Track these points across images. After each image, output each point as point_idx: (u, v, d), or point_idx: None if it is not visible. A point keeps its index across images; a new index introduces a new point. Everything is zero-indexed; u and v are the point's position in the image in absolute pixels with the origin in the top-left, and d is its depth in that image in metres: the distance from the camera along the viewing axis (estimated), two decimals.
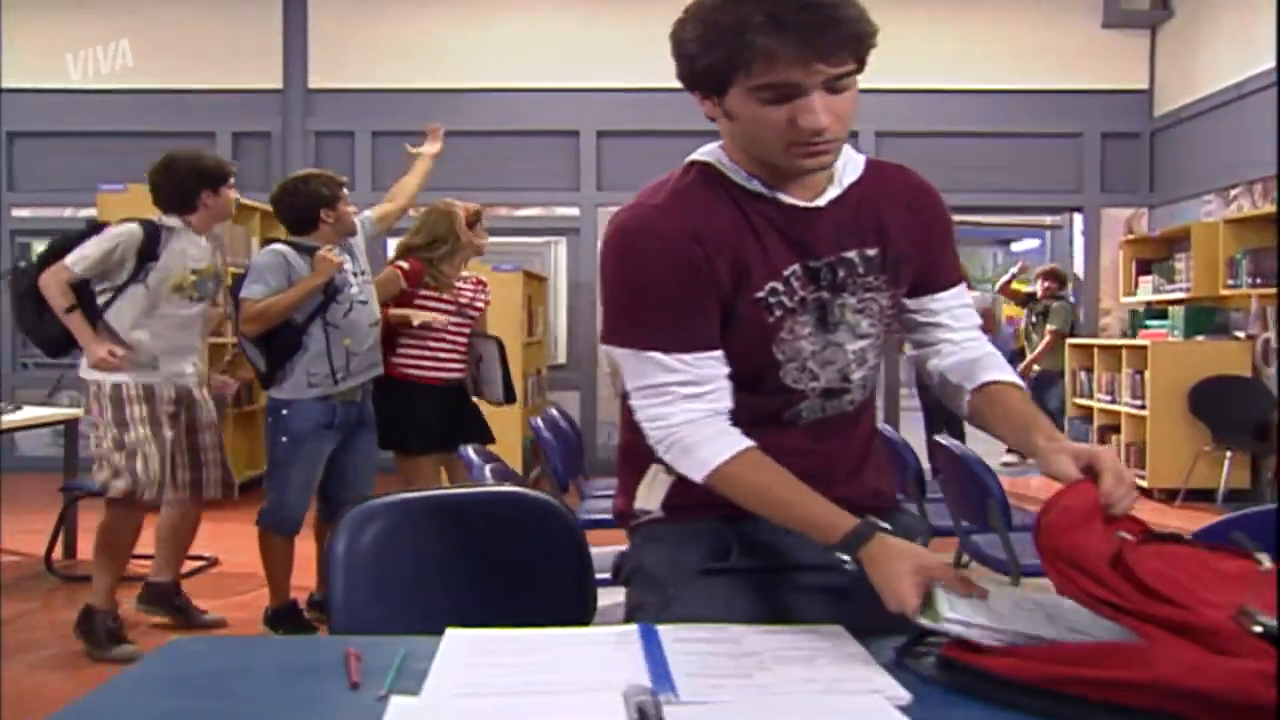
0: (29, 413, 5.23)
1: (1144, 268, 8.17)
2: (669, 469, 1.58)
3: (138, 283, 4.01)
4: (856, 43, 1.37)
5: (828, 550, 1.40)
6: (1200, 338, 7.25)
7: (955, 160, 8.68)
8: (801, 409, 1.58)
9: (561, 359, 8.98)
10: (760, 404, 1.55)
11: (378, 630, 1.58)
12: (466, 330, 4.58)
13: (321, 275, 4.00)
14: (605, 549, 1.98)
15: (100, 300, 4.03)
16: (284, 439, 4.06)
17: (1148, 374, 7.14)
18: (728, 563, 1.55)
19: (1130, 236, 8.51)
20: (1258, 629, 1.08)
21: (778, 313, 1.52)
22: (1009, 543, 3.21)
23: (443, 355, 4.50)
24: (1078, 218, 9.02)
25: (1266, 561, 1.30)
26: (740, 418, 1.53)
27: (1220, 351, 7.07)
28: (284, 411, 4.05)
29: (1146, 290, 8.08)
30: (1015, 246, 19.18)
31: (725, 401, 1.51)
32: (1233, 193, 7.47)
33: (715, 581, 1.53)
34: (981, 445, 3.99)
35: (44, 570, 5.01)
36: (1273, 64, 6.61)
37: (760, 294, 1.50)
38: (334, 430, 4.10)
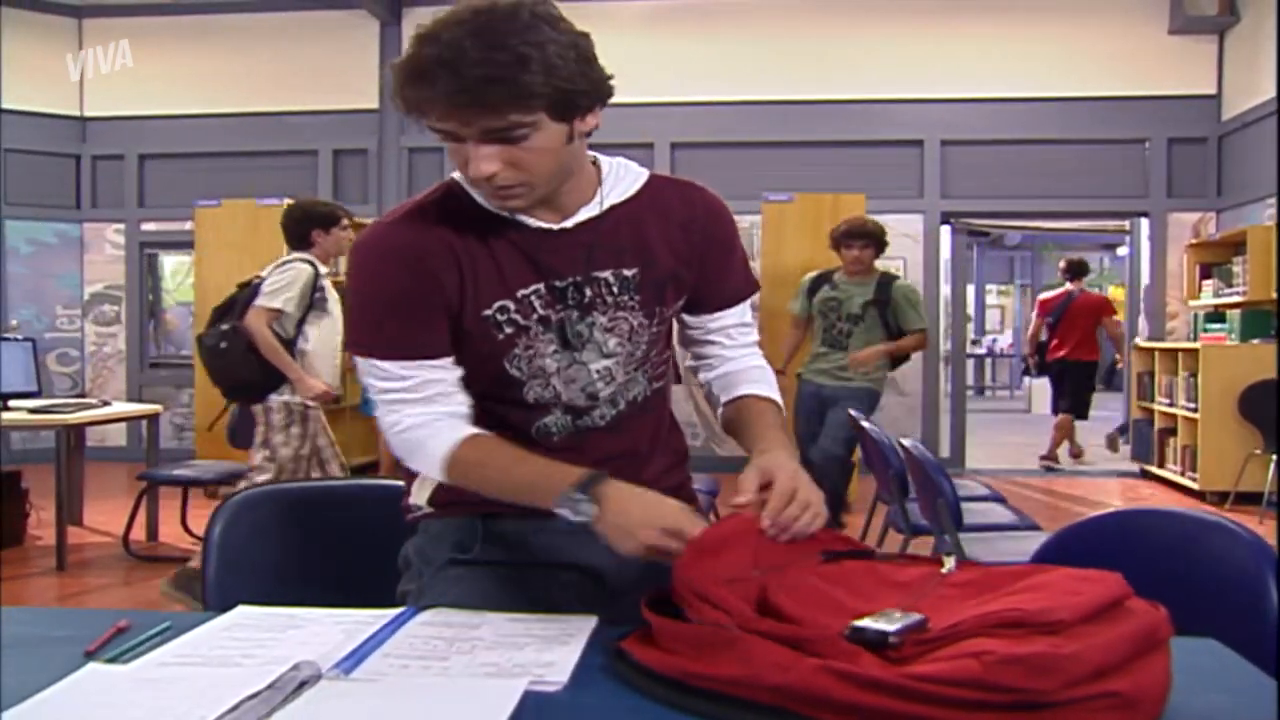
0: (117, 407, 5.51)
1: (1206, 271, 7.80)
2: None
3: (321, 312, 4.36)
4: (513, 99, 1.30)
5: (561, 500, 1.35)
6: (1256, 341, 6.89)
7: (1023, 167, 8.48)
8: (549, 424, 1.54)
9: None
10: (507, 417, 1.54)
11: None
12: None
13: None
14: None
15: (283, 335, 4.30)
16: None
17: (1200, 377, 6.83)
18: (470, 555, 1.55)
19: (1195, 240, 8.14)
20: (848, 633, 1.06)
21: (508, 330, 1.48)
22: (958, 542, 3.13)
23: None
24: (1144, 222, 8.66)
25: (949, 564, 1.27)
26: (492, 431, 1.53)
27: (1273, 355, 6.70)
28: None
29: (1209, 294, 7.71)
30: (1120, 251, 18.52)
31: (455, 405, 1.48)
32: None
33: (461, 572, 1.54)
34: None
35: (123, 551, 5.27)
36: None
37: (487, 312, 1.47)
38: None
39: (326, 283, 4.44)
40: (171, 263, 9.51)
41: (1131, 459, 8.36)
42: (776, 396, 1.63)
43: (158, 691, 1.13)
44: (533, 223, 1.48)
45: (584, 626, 1.37)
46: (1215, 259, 7.72)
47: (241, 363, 4.26)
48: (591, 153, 1.55)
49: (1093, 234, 18.73)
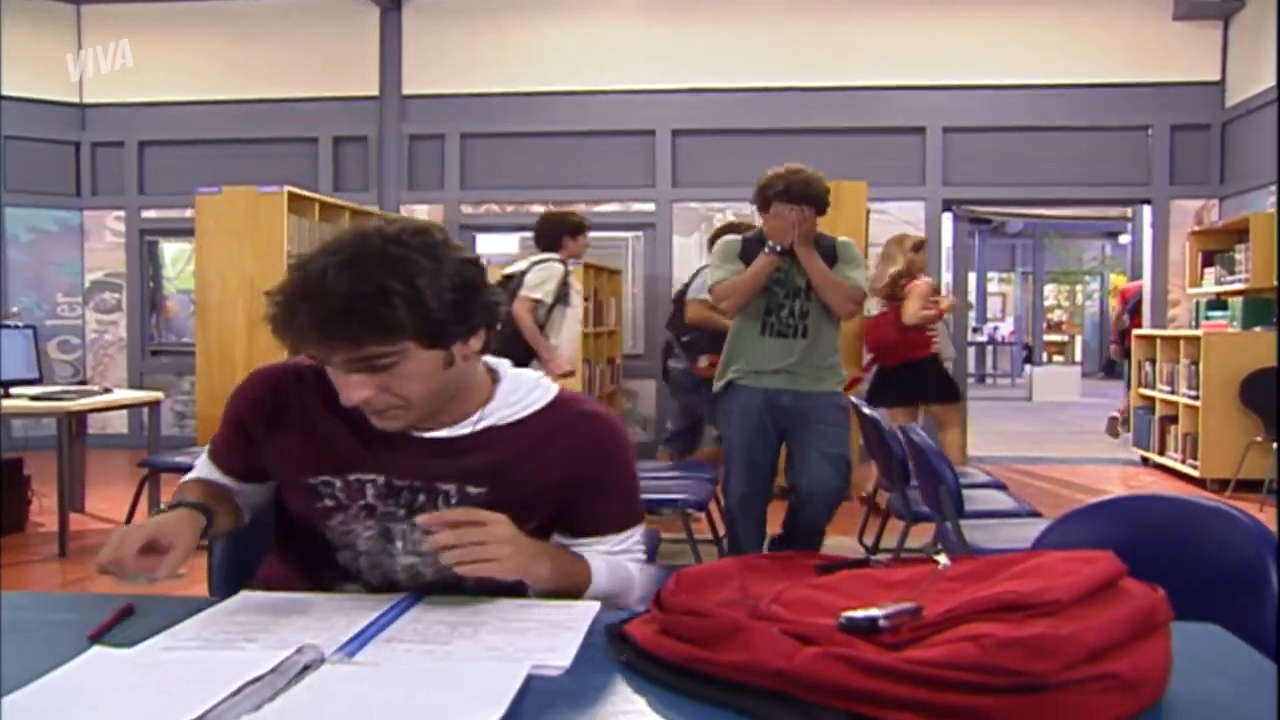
0: (118, 394, 5.51)
1: (1208, 259, 7.79)
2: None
3: (565, 304, 5.03)
4: (372, 331, 1.34)
5: None
6: (1258, 329, 6.88)
7: (1025, 154, 8.45)
8: (350, 590, 1.57)
9: (639, 349, 9.00)
10: (329, 567, 1.58)
11: None
12: None
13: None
14: None
15: (539, 322, 4.92)
16: None
17: (1201, 365, 6.83)
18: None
19: (1197, 228, 8.13)
20: (841, 622, 1.07)
21: (328, 503, 1.54)
22: (959, 528, 3.13)
23: None
24: (1146, 210, 8.65)
25: (943, 560, 1.27)
26: (313, 578, 1.59)
27: (1274, 343, 6.68)
28: None
29: (1210, 281, 7.70)
30: (1122, 238, 18.48)
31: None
32: None
33: None
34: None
35: None
36: None
37: (312, 480, 1.54)
38: None
39: (572, 279, 5.16)
40: (172, 250, 9.49)
41: (1133, 446, 8.37)
42: (602, 578, 1.56)
43: (161, 675, 1.14)
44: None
45: (587, 612, 1.38)
46: (1217, 246, 7.71)
47: (510, 341, 4.79)
48: (497, 366, 1.61)
49: (1095, 221, 18.73)
